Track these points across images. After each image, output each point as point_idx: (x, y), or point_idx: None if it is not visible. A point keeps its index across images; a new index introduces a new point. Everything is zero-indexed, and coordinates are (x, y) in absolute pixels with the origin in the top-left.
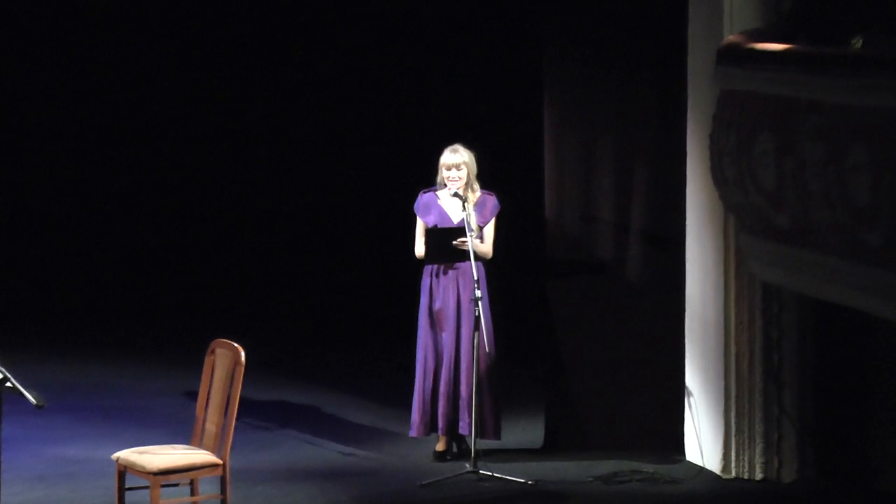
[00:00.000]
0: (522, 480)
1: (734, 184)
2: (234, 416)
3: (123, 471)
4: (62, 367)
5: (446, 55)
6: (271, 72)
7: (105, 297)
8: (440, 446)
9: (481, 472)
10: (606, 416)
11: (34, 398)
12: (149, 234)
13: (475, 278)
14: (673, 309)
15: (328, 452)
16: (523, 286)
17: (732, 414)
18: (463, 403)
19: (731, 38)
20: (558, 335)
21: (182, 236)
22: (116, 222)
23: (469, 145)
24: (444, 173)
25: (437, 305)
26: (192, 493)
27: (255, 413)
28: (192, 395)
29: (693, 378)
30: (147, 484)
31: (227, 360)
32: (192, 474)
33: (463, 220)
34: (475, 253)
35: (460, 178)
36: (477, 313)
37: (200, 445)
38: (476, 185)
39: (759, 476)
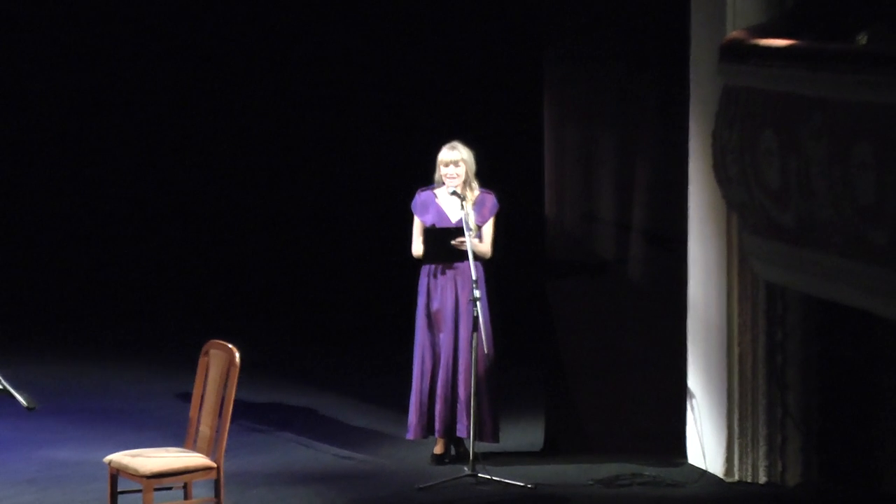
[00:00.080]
0: (522, 484)
1: (737, 182)
2: (229, 418)
3: (116, 474)
4: (53, 368)
5: (445, 53)
6: (268, 70)
7: (97, 298)
8: (438, 449)
9: (480, 475)
10: (607, 418)
11: (25, 400)
12: (142, 234)
13: (474, 278)
14: (675, 309)
15: (324, 455)
16: (523, 286)
17: (735, 416)
18: (461, 405)
19: (733, 33)
20: (558, 336)
21: (176, 236)
22: (110, 223)
23: (468, 143)
24: (441, 170)
25: (434, 306)
26: (186, 496)
27: (249, 415)
28: (186, 397)
29: (695, 380)
30: (140, 487)
31: (221, 361)
32: (185, 477)
33: (461, 219)
34: (474, 253)
35: (458, 176)
36: (475, 314)
37: (194, 448)
38: (475, 184)
39: (762, 479)
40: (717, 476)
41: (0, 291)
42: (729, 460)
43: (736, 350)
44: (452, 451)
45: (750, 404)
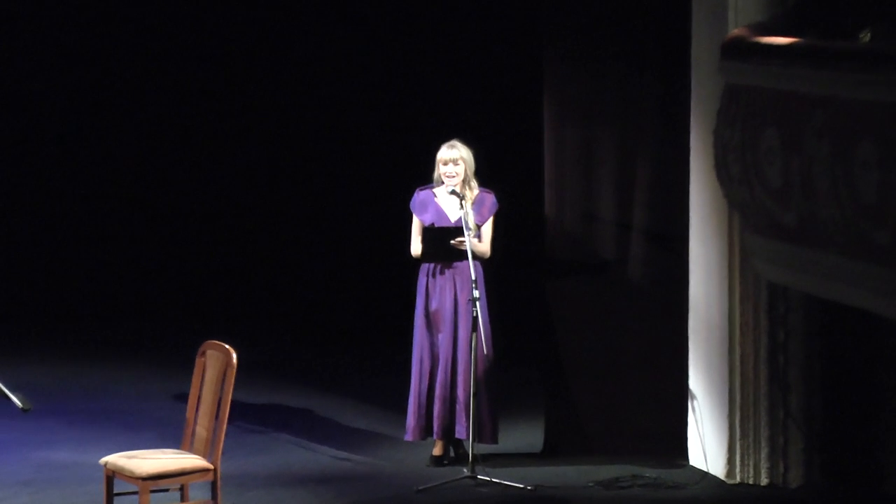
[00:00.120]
0: (521, 486)
1: (739, 181)
2: (226, 419)
3: (112, 476)
4: (48, 369)
5: (445, 52)
6: (266, 69)
7: (93, 297)
8: (437, 451)
9: (479, 477)
10: (607, 419)
11: (20, 401)
12: (138, 234)
13: (473, 278)
14: (676, 310)
15: (322, 457)
16: (522, 286)
17: (737, 417)
18: (460, 406)
19: (735, 31)
20: (558, 337)
21: (172, 236)
22: (105, 222)
23: (467, 142)
24: (440, 169)
25: (433, 306)
26: (183, 498)
27: (247, 416)
28: (183, 398)
29: (697, 380)
30: (136, 489)
31: (218, 361)
32: (182, 479)
33: (460, 218)
34: (473, 252)
35: (457, 174)
36: (475, 314)
37: (191, 450)
38: (474, 183)
39: (764, 481)
40: (718, 478)
41: None
42: (730, 462)
43: (737, 350)
44: (451, 453)
45: (752, 405)
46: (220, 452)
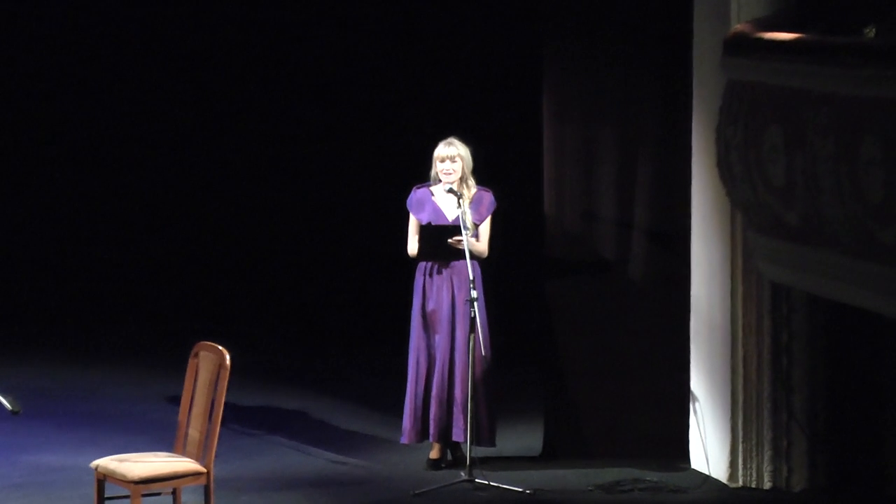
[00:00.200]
0: (520, 489)
1: (742, 179)
2: (219, 422)
3: (103, 479)
4: (39, 371)
5: (444, 51)
6: (264, 68)
7: (84, 299)
8: (434, 454)
9: (477, 480)
10: (608, 421)
11: (10, 404)
12: (131, 235)
13: (471, 278)
14: (677, 310)
15: (316, 460)
16: (521, 286)
17: (739, 420)
18: (457, 409)
19: (738, 27)
20: (558, 337)
21: (165, 237)
22: (98, 224)
23: (465, 140)
24: (438, 166)
25: (430, 306)
26: (175, 502)
27: (240, 419)
28: (175, 400)
29: (698, 382)
30: (127, 493)
31: (211, 363)
32: (174, 483)
33: (458, 217)
34: (470, 252)
35: (455, 171)
36: (472, 314)
37: (183, 453)
38: (471, 181)
39: (767, 484)
40: (720, 481)
41: None
42: (733, 465)
43: (740, 351)
44: (449, 456)
45: (754, 407)
46: (213, 455)
